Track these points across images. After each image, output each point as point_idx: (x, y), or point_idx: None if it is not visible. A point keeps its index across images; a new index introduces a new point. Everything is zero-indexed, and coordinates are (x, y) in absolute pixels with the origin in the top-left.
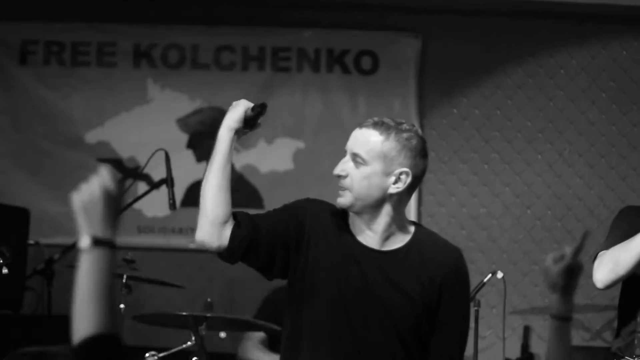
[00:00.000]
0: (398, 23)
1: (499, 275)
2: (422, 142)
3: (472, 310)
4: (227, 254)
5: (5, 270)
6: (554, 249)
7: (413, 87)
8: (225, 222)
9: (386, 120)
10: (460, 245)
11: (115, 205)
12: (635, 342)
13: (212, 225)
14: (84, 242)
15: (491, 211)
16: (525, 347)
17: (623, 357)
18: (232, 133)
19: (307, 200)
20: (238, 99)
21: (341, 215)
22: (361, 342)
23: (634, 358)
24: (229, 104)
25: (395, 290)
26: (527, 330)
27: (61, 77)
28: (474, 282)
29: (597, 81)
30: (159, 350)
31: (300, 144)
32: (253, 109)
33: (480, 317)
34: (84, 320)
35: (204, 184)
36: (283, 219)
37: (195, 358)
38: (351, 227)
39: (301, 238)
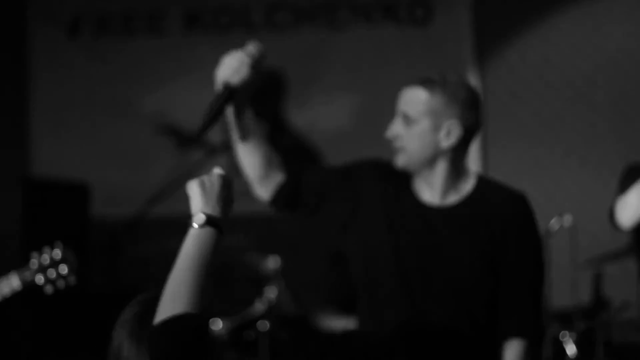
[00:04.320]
0: None
1: (567, 219)
2: (471, 93)
3: None
4: (272, 205)
5: (73, 280)
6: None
7: (469, 34)
8: (266, 177)
9: (432, 75)
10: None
11: (229, 195)
12: None
13: (254, 184)
14: (198, 219)
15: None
16: (597, 292)
17: None
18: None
19: (369, 160)
20: (291, 58)
21: (405, 174)
22: (422, 304)
23: None
24: (280, 64)
25: (454, 247)
26: (597, 277)
27: (112, 48)
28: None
29: None
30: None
31: (357, 98)
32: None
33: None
34: (178, 298)
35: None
36: (335, 175)
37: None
38: (413, 185)
39: (353, 198)
